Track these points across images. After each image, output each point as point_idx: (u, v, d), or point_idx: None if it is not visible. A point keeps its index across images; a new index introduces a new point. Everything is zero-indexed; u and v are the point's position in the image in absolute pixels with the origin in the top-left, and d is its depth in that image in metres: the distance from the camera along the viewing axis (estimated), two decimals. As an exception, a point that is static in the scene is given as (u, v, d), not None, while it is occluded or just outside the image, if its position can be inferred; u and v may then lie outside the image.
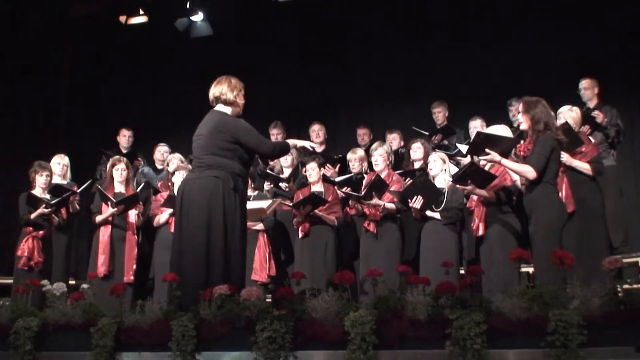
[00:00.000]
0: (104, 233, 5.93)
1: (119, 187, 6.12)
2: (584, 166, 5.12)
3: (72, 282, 6.32)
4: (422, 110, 7.79)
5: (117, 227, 5.97)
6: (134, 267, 5.92)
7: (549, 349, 3.18)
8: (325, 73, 9.11)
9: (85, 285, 4.78)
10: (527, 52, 7.92)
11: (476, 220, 5.05)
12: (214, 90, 4.60)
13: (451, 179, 5.38)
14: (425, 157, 6.33)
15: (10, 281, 6.08)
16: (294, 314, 3.66)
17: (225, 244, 4.29)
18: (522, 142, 4.88)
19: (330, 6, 8.83)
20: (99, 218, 5.98)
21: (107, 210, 5.91)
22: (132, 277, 5.86)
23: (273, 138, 7.45)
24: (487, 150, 4.52)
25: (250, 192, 6.08)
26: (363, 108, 8.81)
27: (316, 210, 5.80)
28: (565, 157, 5.03)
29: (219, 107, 4.58)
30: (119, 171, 6.12)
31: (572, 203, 4.98)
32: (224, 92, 4.57)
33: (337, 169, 6.92)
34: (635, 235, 6.73)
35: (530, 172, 4.43)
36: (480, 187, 4.94)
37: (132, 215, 6.03)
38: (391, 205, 5.70)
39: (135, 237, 6.03)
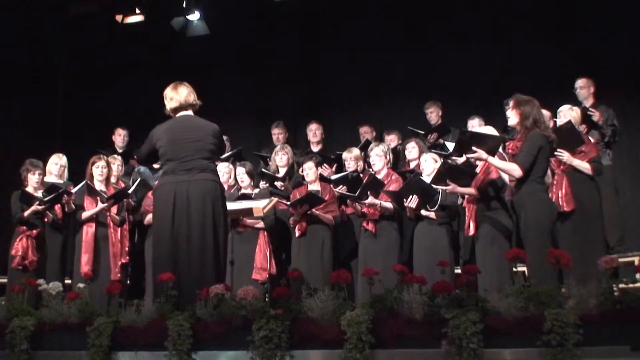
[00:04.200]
0: (88, 231, 5.84)
1: (99, 186, 5.98)
2: (584, 165, 5.14)
3: (67, 281, 6.30)
4: (421, 109, 7.78)
5: (102, 225, 5.89)
6: (120, 264, 5.81)
7: (545, 348, 3.18)
8: (323, 72, 9.11)
9: (81, 285, 4.77)
10: (525, 52, 7.93)
11: (467, 220, 5.05)
12: (192, 96, 4.64)
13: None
14: (421, 156, 6.33)
15: (5, 280, 6.06)
16: (290, 313, 3.66)
17: (225, 246, 4.46)
18: (510, 139, 4.89)
19: (327, 5, 8.82)
20: (85, 214, 5.87)
21: (94, 207, 5.85)
22: (119, 275, 5.76)
23: (274, 137, 7.57)
24: (474, 148, 4.52)
25: (250, 190, 6.13)
26: (361, 107, 8.79)
27: (313, 210, 5.79)
28: (566, 155, 5.04)
29: (190, 112, 4.63)
30: (99, 169, 6.00)
31: (572, 201, 4.99)
32: (196, 99, 4.65)
33: (334, 168, 6.92)
34: (631, 234, 6.74)
35: (516, 170, 4.43)
36: (465, 185, 4.93)
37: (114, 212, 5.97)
38: (388, 205, 5.69)
39: (118, 234, 5.92)
